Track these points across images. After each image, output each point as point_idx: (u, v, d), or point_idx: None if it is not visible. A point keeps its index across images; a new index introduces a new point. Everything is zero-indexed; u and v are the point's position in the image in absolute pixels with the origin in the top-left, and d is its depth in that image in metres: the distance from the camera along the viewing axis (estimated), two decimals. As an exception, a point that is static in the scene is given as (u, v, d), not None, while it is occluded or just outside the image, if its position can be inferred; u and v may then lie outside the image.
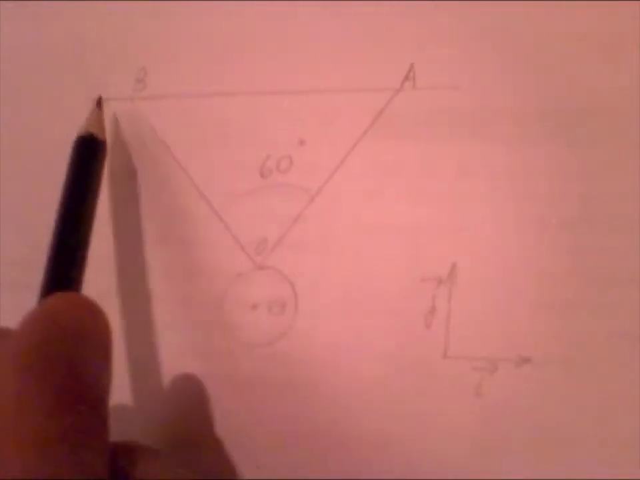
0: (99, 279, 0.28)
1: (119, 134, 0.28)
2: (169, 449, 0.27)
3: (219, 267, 0.27)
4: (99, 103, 0.28)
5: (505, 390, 0.24)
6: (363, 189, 0.26)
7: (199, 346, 0.27)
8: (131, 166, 0.28)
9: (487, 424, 0.25)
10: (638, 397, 0.23)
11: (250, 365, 0.26)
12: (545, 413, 0.24)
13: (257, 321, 0.26)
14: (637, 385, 0.23)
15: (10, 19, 0.29)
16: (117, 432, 0.27)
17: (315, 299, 0.26)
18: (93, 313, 0.21)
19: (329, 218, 0.26)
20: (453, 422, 0.25)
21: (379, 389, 0.25)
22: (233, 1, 0.27)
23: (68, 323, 0.20)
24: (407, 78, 0.26)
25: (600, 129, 0.24)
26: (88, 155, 0.27)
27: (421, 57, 0.25)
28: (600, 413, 0.24)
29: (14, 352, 0.19)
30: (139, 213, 0.28)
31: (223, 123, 0.27)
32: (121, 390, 0.28)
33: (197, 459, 0.27)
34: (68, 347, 0.20)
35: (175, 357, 0.27)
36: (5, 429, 0.18)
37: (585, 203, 0.24)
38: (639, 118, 0.24)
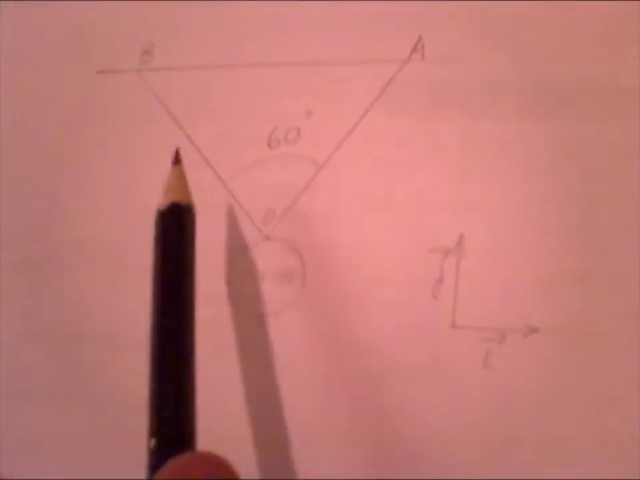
0: (107, 253, 0.28)
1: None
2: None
3: (225, 239, 0.27)
4: (177, 158, 0.25)
5: (513, 360, 0.25)
6: (371, 160, 0.26)
7: (208, 318, 0.27)
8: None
9: (495, 393, 0.25)
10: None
11: (258, 335, 0.26)
12: (552, 383, 0.24)
13: (265, 291, 0.26)
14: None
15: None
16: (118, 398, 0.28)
17: (323, 269, 0.26)
18: (223, 474, 0.19)
19: (336, 189, 0.26)
20: (461, 391, 0.25)
21: (386, 358, 0.26)
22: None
23: None
24: (415, 49, 0.25)
25: (602, 104, 0.24)
26: (176, 228, 0.24)
27: (430, 28, 0.25)
28: (606, 382, 0.24)
29: None
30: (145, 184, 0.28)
31: (231, 95, 0.27)
32: (128, 362, 0.28)
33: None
34: None
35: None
36: None
37: (590, 175, 0.24)
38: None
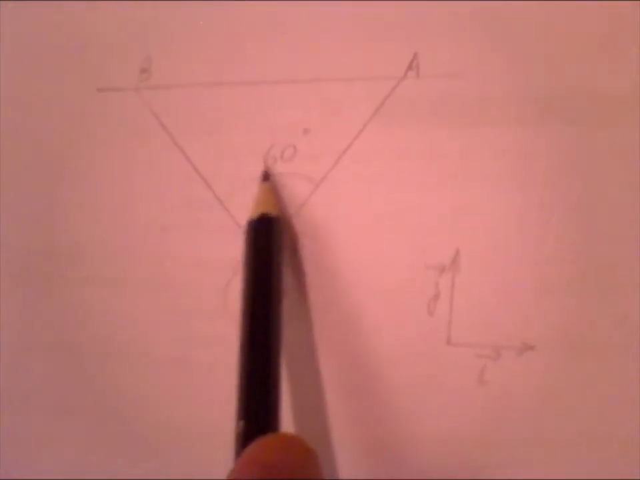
0: (106, 267, 0.28)
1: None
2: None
3: (223, 255, 0.27)
4: (266, 175, 0.26)
5: (508, 377, 0.25)
6: (367, 177, 0.26)
7: (203, 334, 0.27)
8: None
9: (490, 410, 0.25)
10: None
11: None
12: (547, 400, 0.24)
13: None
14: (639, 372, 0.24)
15: (12, 7, 0.29)
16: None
17: (319, 286, 0.26)
18: (307, 456, 0.20)
19: (332, 206, 0.26)
20: (456, 408, 0.25)
21: (382, 376, 0.26)
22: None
23: (282, 472, 0.19)
24: (410, 67, 0.26)
25: (600, 112, 0.24)
26: (265, 236, 0.25)
27: (425, 45, 0.25)
28: (603, 400, 0.24)
29: None
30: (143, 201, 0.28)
31: (228, 112, 0.27)
32: (127, 371, 0.28)
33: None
34: None
35: (179, 345, 0.27)
36: None
37: (586, 186, 0.24)
38: (639, 101, 0.24)
